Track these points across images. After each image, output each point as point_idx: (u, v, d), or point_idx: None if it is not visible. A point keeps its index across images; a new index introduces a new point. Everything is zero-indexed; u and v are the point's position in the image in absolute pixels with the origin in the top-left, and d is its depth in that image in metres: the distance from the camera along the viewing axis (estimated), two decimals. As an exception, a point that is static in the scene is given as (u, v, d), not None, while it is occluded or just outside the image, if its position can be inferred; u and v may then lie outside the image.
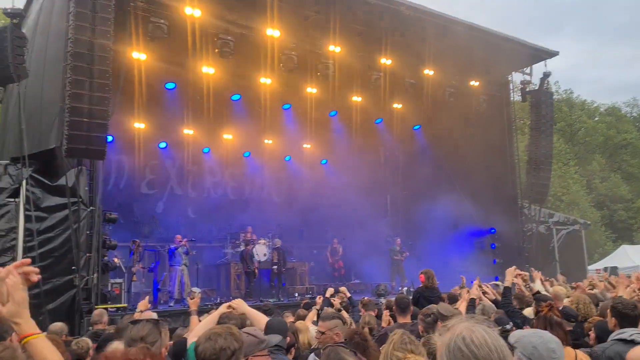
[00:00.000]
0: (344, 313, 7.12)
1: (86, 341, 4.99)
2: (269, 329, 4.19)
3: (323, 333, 4.40)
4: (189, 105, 16.69)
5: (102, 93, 10.21)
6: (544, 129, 18.42)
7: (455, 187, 18.73)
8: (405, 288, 14.79)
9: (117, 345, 3.15)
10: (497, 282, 8.86)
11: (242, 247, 15.97)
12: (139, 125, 16.14)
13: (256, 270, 15.03)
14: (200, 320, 5.89)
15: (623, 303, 4.05)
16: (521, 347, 2.48)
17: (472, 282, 12.40)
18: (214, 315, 4.40)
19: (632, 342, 3.76)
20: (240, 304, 4.63)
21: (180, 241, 13.61)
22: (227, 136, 18.35)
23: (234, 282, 15.75)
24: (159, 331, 2.79)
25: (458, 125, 18.53)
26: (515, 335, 2.61)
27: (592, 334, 4.85)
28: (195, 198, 18.26)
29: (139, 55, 13.20)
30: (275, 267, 15.41)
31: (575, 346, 4.60)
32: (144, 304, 6.18)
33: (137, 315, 5.87)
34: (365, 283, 17.59)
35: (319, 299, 7.76)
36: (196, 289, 7.72)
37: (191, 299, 5.85)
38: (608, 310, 4.30)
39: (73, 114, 9.99)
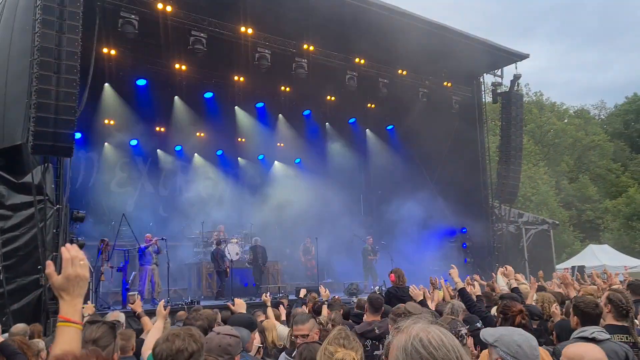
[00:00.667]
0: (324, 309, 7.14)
1: (35, 343, 4.88)
2: (234, 324, 4.15)
3: (304, 336, 4.30)
4: (160, 102, 16.49)
5: (70, 89, 10.00)
6: (514, 130, 18.75)
7: (428, 187, 18.95)
8: (377, 287, 14.84)
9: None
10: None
11: (213, 246, 15.82)
12: (109, 122, 15.87)
13: (228, 270, 14.90)
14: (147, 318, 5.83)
15: (585, 302, 4.12)
16: (504, 346, 2.48)
17: (446, 281, 12.55)
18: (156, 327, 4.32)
19: (593, 340, 3.83)
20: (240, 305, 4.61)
21: (151, 240, 13.41)
22: (200, 134, 18.18)
23: (206, 281, 15.59)
24: (114, 335, 2.73)
25: (431, 126, 18.70)
26: (492, 334, 2.61)
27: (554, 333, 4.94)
28: (166, 196, 18.04)
29: (108, 51, 12.97)
30: (250, 264, 15.35)
31: (539, 344, 4.69)
32: (118, 315, 5.99)
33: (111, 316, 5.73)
34: (337, 282, 17.60)
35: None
36: (133, 293, 7.63)
37: (131, 303, 5.75)
38: (570, 309, 4.37)
39: (39, 110, 9.75)
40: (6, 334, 6.28)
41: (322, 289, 8.14)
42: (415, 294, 6.30)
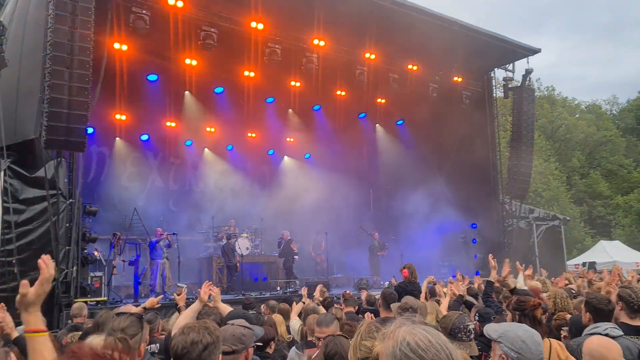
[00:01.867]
0: (321, 309, 7.14)
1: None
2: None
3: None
4: (171, 97, 16.56)
5: (82, 84, 10.06)
6: (525, 125, 18.64)
7: (438, 183, 18.88)
8: (387, 282, 14.84)
9: (93, 339, 3.11)
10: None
11: (224, 241, 15.90)
12: (120, 117, 15.96)
13: (238, 264, 14.99)
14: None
15: (597, 298, 4.11)
16: (508, 342, 2.49)
17: (454, 277, 12.52)
18: (191, 309, 4.39)
19: (606, 336, 3.82)
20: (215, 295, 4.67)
21: (162, 234, 13.51)
22: (210, 129, 18.24)
23: (216, 276, 15.67)
24: (141, 326, 2.77)
25: (441, 121, 18.64)
26: (497, 330, 2.61)
27: (565, 329, 4.94)
28: (177, 191, 18.14)
29: (120, 46, 13.03)
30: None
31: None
32: (151, 302, 6.04)
33: (138, 310, 5.78)
34: (347, 277, 17.63)
35: (304, 291, 7.81)
36: (182, 285, 7.64)
37: (178, 294, 5.80)
38: (582, 306, 4.36)
39: (52, 104, 9.83)
40: (20, 327, 6.36)
41: (317, 290, 8.06)
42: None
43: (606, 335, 3.82)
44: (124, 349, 2.60)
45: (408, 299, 5.31)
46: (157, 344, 5.40)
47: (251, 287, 15.18)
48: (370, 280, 16.03)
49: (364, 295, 9.00)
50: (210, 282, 5.12)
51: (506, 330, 2.56)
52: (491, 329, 2.64)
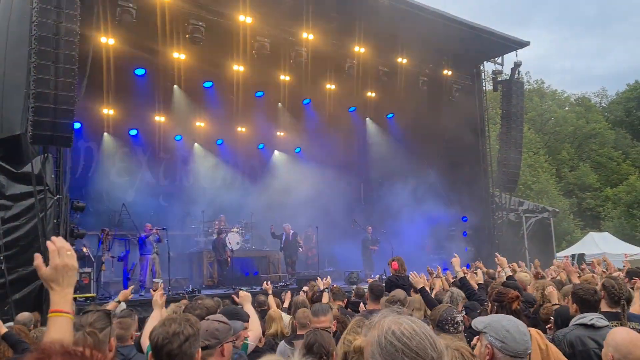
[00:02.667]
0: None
1: (42, 330, 4.90)
2: (228, 316, 4.17)
3: (326, 328, 4.30)
4: (159, 92, 16.44)
5: (68, 78, 9.95)
6: (515, 118, 18.72)
7: (428, 176, 18.91)
8: (377, 276, 14.88)
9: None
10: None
11: (214, 236, 15.86)
12: (108, 112, 15.82)
13: (229, 259, 14.97)
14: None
15: (584, 289, 4.13)
16: (493, 332, 2.50)
17: (445, 269, 12.56)
18: (153, 317, 4.36)
19: (592, 327, 3.85)
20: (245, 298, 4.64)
21: (151, 229, 13.45)
22: (200, 124, 18.14)
23: (207, 271, 15.66)
24: (109, 320, 2.75)
25: (431, 114, 18.66)
26: (483, 321, 2.63)
27: (552, 320, 4.96)
28: (167, 186, 18.04)
29: (107, 40, 12.90)
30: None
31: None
32: (124, 294, 6.01)
33: (111, 306, 5.76)
34: (338, 271, 17.63)
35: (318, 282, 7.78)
36: (157, 280, 7.57)
37: (154, 290, 5.76)
38: (569, 297, 4.38)
39: (38, 99, 9.72)
40: (11, 323, 6.30)
41: (319, 281, 8.12)
42: (415, 281, 6.31)
43: (592, 325, 3.85)
44: (94, 343, 2.58)
45: (396, 292, 5.33)
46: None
47: (242, 281, 15.16)
48: (362, 274, 16.10)
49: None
50: (162, 292, 5.06)
51: (492, 321, 2.58)
52: (478, 321, 2.65)
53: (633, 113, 50.95)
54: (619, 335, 2.92)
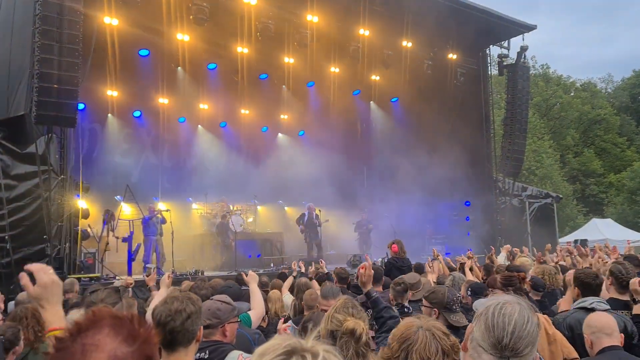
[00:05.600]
0: (314, 283, 7.19)
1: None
2: (232, 297, 4.22)
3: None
4: (163, 73, 16.36)
5: (72, 58, 9.95)
6: (520, 103, 18.61)
7: (432, 160, 18.84)
8: (380, 259, 14.93)
9: (75, 313, 3.12)
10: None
11: (218, 219, 15.91)
12: (112, 93, 15.79)
13: (232, 242, 15.02)
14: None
15: (585, 273, 4.16)
16: None
17: (447, 254, 12.55)
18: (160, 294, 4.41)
19: (592, 310, 3.87)
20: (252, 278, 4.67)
21: (154, 211, 13.50)
22: (203, 106, 18.10)
23: (210, 253, 15.75)
24: (119, 296, 2.79)
25: (436, 98, 18.58)
26: (485, 303, 2.64)
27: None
28: (170, 167, 18.05)
29: (110, 20, 12.84)
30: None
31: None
32: (126, 281, 6.03)
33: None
34: (341, 254, 17.69)
35: (294, 265, 7.89)
36: (151, 265, 7.66)
37: (147, 275, 5.82)
38: (571, 280, 4.41)
39: (42, 79, 9.73)
40: (11, 302, 6.37)
41: (322, 263, 8.19)
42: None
43: (592, 309, 3.87)
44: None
45: (407, 276, 5.36)
46: None
47: (245, 263, 15.22)
48: (363, 257, 16.10)
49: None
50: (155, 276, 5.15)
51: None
52: (479, 303, 2.65)
53: (638, 99, 50.61)
54: (590, 318, 3.18)
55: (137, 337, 1.15)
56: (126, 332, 1.15)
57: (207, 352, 2.92)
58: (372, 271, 3.57)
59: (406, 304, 4.73)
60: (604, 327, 3.01)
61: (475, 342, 1.66)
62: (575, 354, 3.62)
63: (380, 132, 20.65)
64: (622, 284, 4.27)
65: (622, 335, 3.35)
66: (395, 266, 7.15)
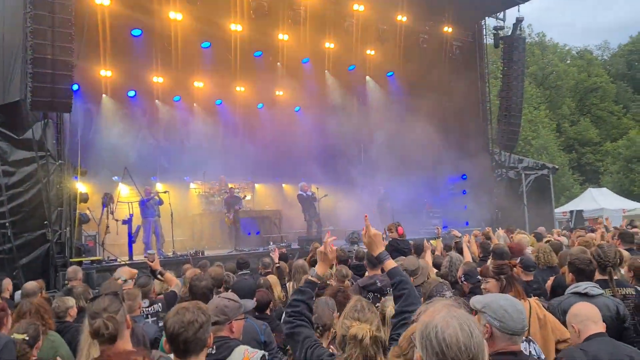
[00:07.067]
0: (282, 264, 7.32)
1: (64, 301, 5.04)
2: (237, 292, 4.31)
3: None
4: (156, 52, 16.20)
5: (65, 43, 9.86)
6: (516, 75, 18.57)
7: (428, 134, 18.85)
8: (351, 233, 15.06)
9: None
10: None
11: (216, 197, 15.97)
12: (105, 73, 15.66)
13: (231, 219, 15.04)
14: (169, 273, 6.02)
15: (580, 259, 4.26)
16: (491, 312, 2.62)
17: (444, 227, 12.63)
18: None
19: (585, 295, 3.99)
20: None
21: (151, 193, 13.56)
22: (198, 84, 17.97)
23: (209, 232, 15.88)
24: (120, 301, 2.86)
25: (431, 72, 18.47)
26: (481, 301, 2.73)
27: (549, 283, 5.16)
28: (168, 147, 18.00)
29: (101, 1, 12.67)
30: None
31: (536, 295, 4.88)
32: (130, 273, 6.10)
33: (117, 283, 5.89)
34: (339, 229, 17.79)
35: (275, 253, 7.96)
36: (152, 251, 7.73)
37: (151, 261, 5.89)
38: (566, 267, 4.52)
39: (36, 65, 9.66)
40: (19, 292, 6.46)
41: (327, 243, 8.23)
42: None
43: (585, 294, 3.99)
44: (115, 327, 2.69)
45: (406, 261, 5.44)
46: (159, 303, 5.56)
47: (244, 241, 15.38)
48: (362, 233, 16.15)
49: None
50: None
51: (490, 301, 2.68)
52: (476, 300, 2.75)
53: (635, 66, 50.41)
54: (576, 307, 3.29)
55: None
56: None
57: (214, 347, 3.02)
58: (375, 232, 3.26)
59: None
60: (590, 315, 3.15)
61: None
62: (568, 335, 3.74)
63: (376, 107, 20.57)
64: (601, 266, 4.48)
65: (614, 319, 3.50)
66: (397, 248, 7.23)
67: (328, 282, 5.81)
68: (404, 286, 3.04)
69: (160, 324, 4.70)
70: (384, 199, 17.82)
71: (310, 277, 3.18)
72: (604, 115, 45.68)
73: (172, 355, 2.70)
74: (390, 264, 3.20)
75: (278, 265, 7.31)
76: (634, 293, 4.39)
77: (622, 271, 4.91)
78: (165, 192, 13.68)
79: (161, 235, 13.63)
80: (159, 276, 5.97)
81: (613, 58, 52.82)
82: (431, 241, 8.38)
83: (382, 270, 6.18)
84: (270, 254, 8.01)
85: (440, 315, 1.67)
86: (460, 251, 6.77)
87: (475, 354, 1.60)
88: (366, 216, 3.34)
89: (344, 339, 2.62)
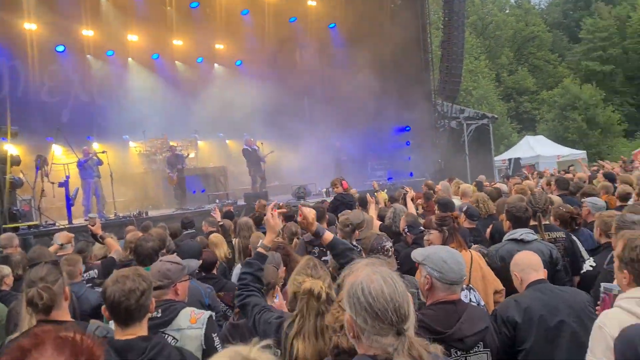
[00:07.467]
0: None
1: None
2: (183, 254, 4.25)
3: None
4: (86, 3, 15.27)
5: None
6: (457, 25, 18.69)
7: (371, 86, 18.84)
8: (324, 189, 15.18)
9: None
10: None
11: (158, 155, 15.54)
12: (30, 26, 14.63)
13: (175, 177, 14.72)
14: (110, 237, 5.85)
15: (516, 207, 4.40)
16: (431, 263, 2.66)
17: (389, 179, 12.77)
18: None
19: (521, 241, 4.15)
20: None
21: (89, 153, 13.04)
22: (132, 37, 17.10)
23: (152, 191, 15.53)
24: (59, 270, 2.75)
25: (373, 24, 18.33)
26: (422, 253, 2.78)
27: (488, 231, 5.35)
28: (104, 106, 17.22)
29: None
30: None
31: (476, 242, 5.05)
32: (66, 237, 5.87)
33: (53, 248, 5.67)
34: (284, 185, 17.79)
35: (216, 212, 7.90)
36: (93, 215, 7.52)
37: (92, 225, 5.71)
38: (504, 214, 4.67)
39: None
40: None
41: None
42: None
43: (521, 240, 4.15)
44: (50, 298, 2.59)
45: (351, 215, 5.46)
46: (95, 270, 5.41)
47: (190, 200, 15.14)
48: (308, 187, 16.22)
49: None
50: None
51: (430, 253, 2.73)
52: (417, 253, 2.79)
53: (570, 15, 51.77)
54: (518, 256, 3.41)
55: (81, 354, 1.17)
56: (69, 351, 1.16)
57: (159, 311, 2.96)
58: (312, 213, 3.21)
59: (355, 243, 4.89)
60: (531, 263, 3.25)
61: (367, 334, 1.69)
62: (501, 286, 3.91)
63: (319, 59, 20.30)
64: (533, 213, 4.58)
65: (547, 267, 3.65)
66: (343, 202, 7.31)
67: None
68: (349, 253, 3.14)
69: (96, 290, 4.59)
70: (339, 151, 17.88)
71: (258, 248, 3.17)
72: (541, 64, 47.01)
73: (112, 323, 2.63)
74: (328, 236, 3.25)
75: (222, 223, 7.23)
76: (564, 236, 4.60)
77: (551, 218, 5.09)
78: (103, 152, 13.15)
79: (102, 197, 13.22)
80: (100, 240, 5.81)
81: (549, 7, 54.05)
82: (375, 193, 8.49)
83: (328, 224, 6.27)
84: (212, 214, 7.95)
85: (364, 273, 1.74)
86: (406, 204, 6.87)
87: (401, 302, 1.69)
88: (300, 206, 3.41)
89: (295, 295, 2.61)
